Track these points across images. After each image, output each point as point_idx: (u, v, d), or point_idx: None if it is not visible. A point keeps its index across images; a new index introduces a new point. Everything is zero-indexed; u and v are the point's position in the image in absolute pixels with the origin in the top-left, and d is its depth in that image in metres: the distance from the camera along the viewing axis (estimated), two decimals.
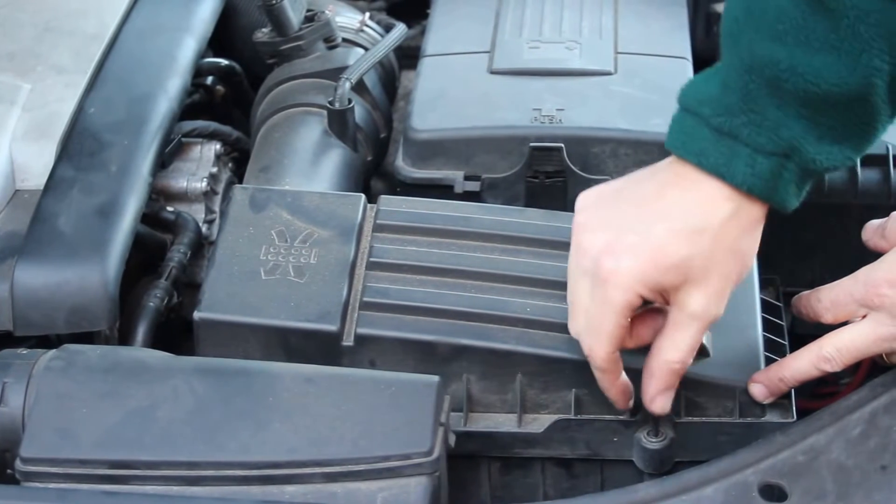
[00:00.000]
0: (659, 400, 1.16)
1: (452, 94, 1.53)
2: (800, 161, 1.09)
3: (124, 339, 1.33)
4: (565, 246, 1.27)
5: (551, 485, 1.24)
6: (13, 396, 1.17)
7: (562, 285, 1.23)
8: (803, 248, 1.46)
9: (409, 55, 1.76)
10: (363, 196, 1.34)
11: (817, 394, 1.46)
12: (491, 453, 1.22)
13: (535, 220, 1.31)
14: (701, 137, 1.10)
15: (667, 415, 1.17)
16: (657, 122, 1.48)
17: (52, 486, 1.11)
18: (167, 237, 1.47)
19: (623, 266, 1.11)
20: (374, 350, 1.21)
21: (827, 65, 1.06)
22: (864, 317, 1.16)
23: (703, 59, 1.68)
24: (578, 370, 1.18)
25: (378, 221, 1.30)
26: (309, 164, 1.52)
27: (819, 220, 1.46)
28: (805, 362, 1.17)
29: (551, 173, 1.46)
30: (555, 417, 1.20)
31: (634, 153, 1.46)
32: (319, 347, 1.21)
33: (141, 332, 1.33)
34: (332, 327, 1.21)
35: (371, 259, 1.27)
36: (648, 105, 1.50)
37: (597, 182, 1.44)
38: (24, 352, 1.22)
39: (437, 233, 1.29)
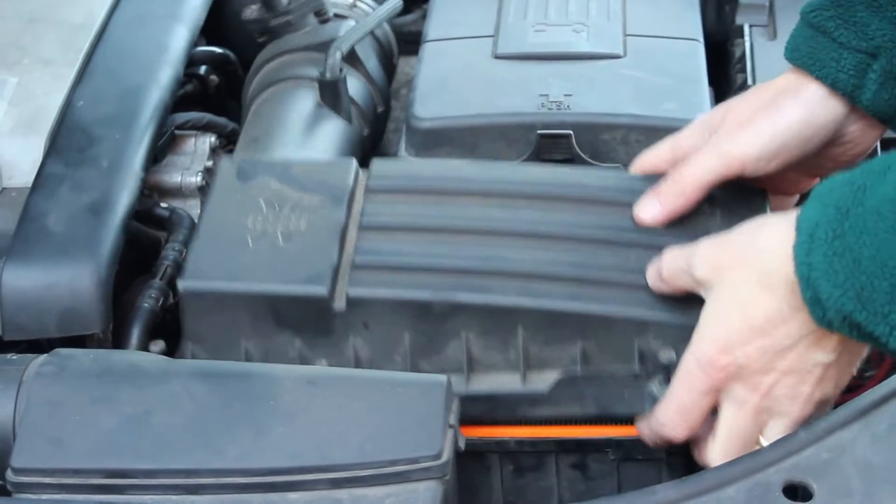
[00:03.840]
0: None
1: (456, 81, 1.53)
2: (887, 63, 1.15)
3: (118, 342, 1.33)
4: (564, 199, 1.26)
5: (567, 488, 1.24)
6: (3, 404, 1.17)
7: (562, 238, 1.23)
8: None
9: (410, 40, 1.77)
10: (354, 161, 1.33)
11: None
12: (496, 416, 1.22)
13: (532, 174, 1.31)
14: (798, 35, 1.20)
15: (677, 364, 1.16)
16: (669, 106, 1.48)
17: (45, 496, 1.10)
18: (161, 235, 1.47)
19: None
20: (367, 312, 1.20)
21: None
22: (716, 408, 1.14)
23: (714, 40, 1.69)
24: (583, 322, 1.18)
25: (370, 184, 1.30)
26: (301, 134, 1.53)
27: None
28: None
29: (560, 161, 1.46)
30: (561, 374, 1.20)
31: (646, 139, 1.46)
32: (310, 313, 1.21)
33: (135, 334, 1.33)
34: (322, 291, 1.20)
35: (363, 221, 1.26)
36: (660, 89, 1.50)
37: None
38: (14, 357, 1.22)
39: (431, 192, 1.28)
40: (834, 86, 1.18)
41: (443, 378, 1.15)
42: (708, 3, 1.77)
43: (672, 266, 1.16)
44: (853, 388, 1.40)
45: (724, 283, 1.12)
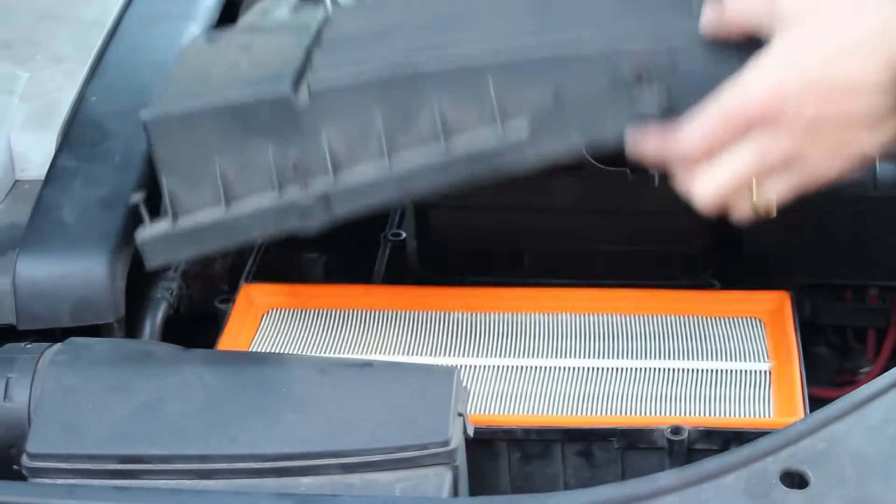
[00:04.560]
0: None
1: None
2: None
3: (132, 332, 1.35)
4: None
5: (572, 474, 1.26)
6: (18, 391, 1.19)
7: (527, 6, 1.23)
8: (823, 241, 1.50)
9: None
10: (322, 4, 1.34)
11: (837, 383, 1.51)
12: (482, 175, 1.19)
13: None
14: None
15: (657, 67, 1.13)
16: None
17: (60, 481, 1.12)
18: None
19: None
20: (334, 104, 1.20)
21: None
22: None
23: None
24: (551, 64, 1.16)
25: (334, 12, 1.31)
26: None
27: (838, 212, 1.50)
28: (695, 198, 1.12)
29: (566, 169, 1.49)
30: None
31: None
32: (276, 114, 1.20)
33: (148, 325, 1.35)
34: (284, 89, 1.19)
35: (324, 35, 1.26)
36: None
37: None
38: (29, 346, 1.24)
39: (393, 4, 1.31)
40: None
41: (452, 367, 1.19)
42: None
43: None
44: (849, 383, 1.46)
45: (811, 28, 1.02)
